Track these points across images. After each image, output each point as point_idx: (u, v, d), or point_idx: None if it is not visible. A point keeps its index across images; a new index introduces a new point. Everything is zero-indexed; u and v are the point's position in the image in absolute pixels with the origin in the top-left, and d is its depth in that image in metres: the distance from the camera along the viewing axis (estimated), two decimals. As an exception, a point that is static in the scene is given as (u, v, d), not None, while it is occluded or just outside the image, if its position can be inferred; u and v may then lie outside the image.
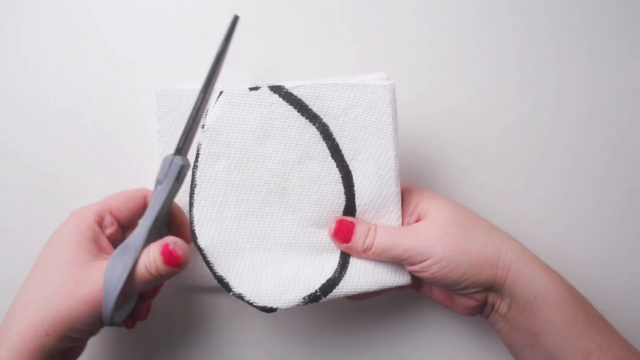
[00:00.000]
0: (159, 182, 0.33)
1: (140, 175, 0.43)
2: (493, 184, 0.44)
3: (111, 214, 0.36)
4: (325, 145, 0.36)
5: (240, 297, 0.35)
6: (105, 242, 0.35)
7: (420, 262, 0.34)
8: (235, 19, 0.34)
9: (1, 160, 0.44)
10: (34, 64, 0.45)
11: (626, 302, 0.43)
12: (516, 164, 0.44)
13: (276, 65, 0.44)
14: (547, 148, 0.44)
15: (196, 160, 0.35)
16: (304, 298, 0.35)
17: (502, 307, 0.36)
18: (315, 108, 0.35)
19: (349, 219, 0.36)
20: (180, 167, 0.33)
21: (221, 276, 0.35)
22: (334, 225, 0.36)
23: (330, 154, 0.36)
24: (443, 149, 0.44)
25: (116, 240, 0.36)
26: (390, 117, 0.35)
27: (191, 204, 0.35)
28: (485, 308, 0.37)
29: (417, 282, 0.40)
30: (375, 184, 0.36)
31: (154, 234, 0.34)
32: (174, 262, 0.32)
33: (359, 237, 0.36)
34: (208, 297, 0.45)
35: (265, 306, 0.35)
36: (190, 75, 0.42)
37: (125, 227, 0.37)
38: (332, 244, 0.37)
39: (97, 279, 0.32)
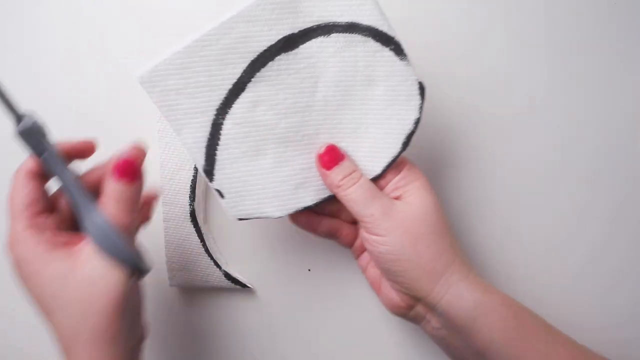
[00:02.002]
0: (39, 155, 0.31)
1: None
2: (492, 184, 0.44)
3: (37, 224, 0.31)
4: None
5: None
6: (57, 235, 0.31)
7: (376, 235, 0.34)
8: None
9: (1, 160, 0.43)
10: (34, 64, 0.45)
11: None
12: (506, 169, 0.44)
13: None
14: (541, 149, 0.44)
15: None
16: None
17: (434, 322, 0.35)
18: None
19: (342, 150, 0.36)
20: (36, 127, 0.30)
21: None
22: (323, 149, 0.36)
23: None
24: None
25: (64, 221, 0.33)
26: None
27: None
28: (415, 316, 0.36)
29: (359, 250, 0.39)
30: None
31: (79, 186, 0.31)
32: (129, 174, 0.31)
33: (339, 172, 0.35)
34: (208, 297, 0.45)
35: None
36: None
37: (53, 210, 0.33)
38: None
39: (89, 250, 0.30)
